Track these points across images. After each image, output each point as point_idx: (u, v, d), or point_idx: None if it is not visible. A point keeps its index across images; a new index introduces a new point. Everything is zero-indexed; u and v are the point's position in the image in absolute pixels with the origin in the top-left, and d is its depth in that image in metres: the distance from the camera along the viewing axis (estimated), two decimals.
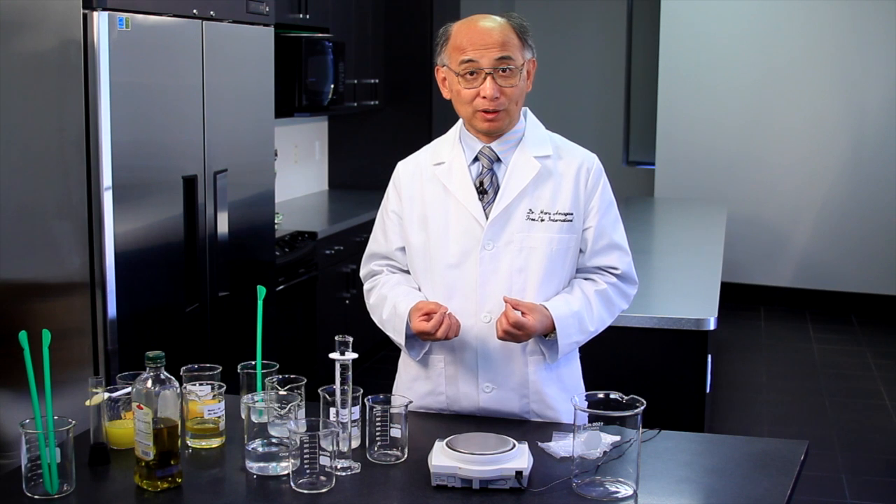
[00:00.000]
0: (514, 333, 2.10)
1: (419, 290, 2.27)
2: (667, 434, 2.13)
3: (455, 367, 2.23)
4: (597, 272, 2.26)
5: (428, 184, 2.24)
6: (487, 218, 2.18)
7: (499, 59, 2.12)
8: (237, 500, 1.82)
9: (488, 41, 2.12)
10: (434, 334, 2.10)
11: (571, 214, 2.20)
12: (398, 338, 2.22)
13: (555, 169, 2.22)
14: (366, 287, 2.37)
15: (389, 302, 2.24)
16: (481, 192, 2.20)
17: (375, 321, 2.32)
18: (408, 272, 2.32)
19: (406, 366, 2.33)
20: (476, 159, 2.22)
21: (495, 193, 2.20)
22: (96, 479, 1.89)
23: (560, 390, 2.25)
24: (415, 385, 2.29)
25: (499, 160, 2.21)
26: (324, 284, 4.95)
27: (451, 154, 2.24)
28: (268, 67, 3.97)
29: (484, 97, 2.13)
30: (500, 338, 2.13)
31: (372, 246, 2.37)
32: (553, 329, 2.15)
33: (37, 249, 3.09)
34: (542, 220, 2.19)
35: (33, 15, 3.01)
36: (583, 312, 2.19)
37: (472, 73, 2.13)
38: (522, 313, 2.10)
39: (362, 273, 2.40)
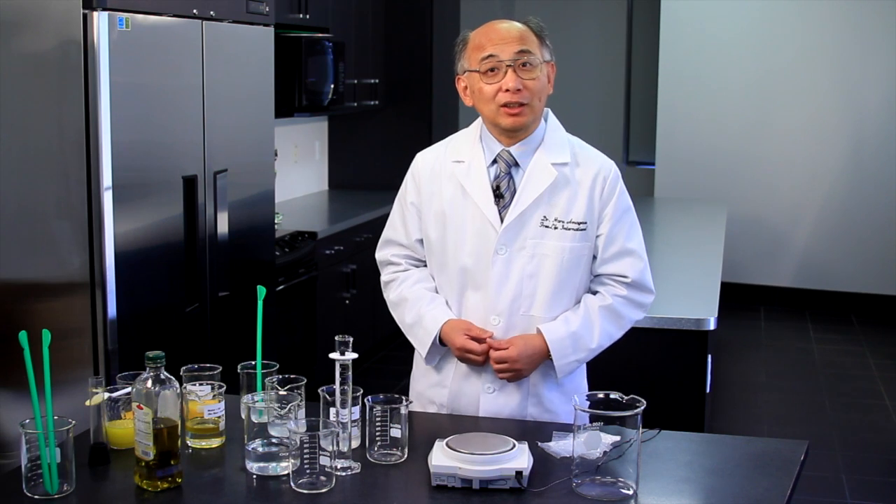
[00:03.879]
0: (508, 371, 2.19)
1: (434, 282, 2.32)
2: (667, 434, 2.13)
3: (465, 364, 2.27)
4: (607, 282, 2.28)
5: (447, 181, 2.26)
6: (502, 222, 2.20)
7: (518, 52, 2.15)
8: (237, 500, 1.82)
9: (507, 37, 2.16)
10: (476, 356, 2.20)
11: (585, 224, 2.22)
12: (421, 349, 2.29)
13: (572, 177, 2.23)
14: (384, 277, 2.39)
15: (412, 307, 2.28)
16: (498, 195, 2.22)
17: (395, 318, 2.36)
18: (426, 264, 2.35)
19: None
20: (494, 161, 2.24)
21: (511, 198, 2.21)
22: (96, 479, 1.89)
23: (560, 395, 2.28)
24: (428, 373, 2.34)
25: (517, 164, 2.23)
26: (324, 284, 4.95)
27: (471, 153, 2.26)
28: (268, 67, 3.97)
29: (507, 90, 2.14)
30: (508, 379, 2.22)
31: (389, 232, 2.39)
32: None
33: (37, 249, 3.08)
34: (556, 228, 2.20)
35: (33, 15, 3.01)
36: (581, 331, 2.21)
37: (493, 70, 2.16)
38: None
39: (380, 257, 2.41)
